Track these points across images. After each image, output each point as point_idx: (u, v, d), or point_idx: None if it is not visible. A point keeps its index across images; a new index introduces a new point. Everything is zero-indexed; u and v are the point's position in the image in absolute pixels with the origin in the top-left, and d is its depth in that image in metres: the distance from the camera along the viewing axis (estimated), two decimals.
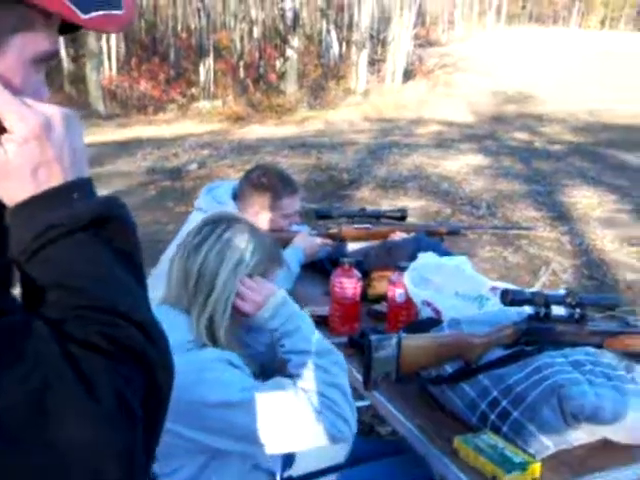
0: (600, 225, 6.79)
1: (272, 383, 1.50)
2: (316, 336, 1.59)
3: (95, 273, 0.73)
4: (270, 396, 1.46)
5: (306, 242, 2.62)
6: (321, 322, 2.21)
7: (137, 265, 0.78)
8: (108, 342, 0.69)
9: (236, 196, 2.56)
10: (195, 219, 2.29)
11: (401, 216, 2.75)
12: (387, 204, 7.47)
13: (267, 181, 2.53)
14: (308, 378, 1.51)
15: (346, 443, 1.96)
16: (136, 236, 0.79)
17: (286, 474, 1.81)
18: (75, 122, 0.78)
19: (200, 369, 1.47)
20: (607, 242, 6.22)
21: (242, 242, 1.59)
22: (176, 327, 1.53)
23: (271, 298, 1.58)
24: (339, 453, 1.97)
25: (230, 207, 2.48)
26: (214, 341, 1.57)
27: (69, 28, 0.77)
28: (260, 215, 2.51)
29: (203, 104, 18.81)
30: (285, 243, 2.53)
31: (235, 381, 1.48)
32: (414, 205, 7.44)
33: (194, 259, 1.57)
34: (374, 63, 22.68)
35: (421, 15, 25.85)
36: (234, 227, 1.61)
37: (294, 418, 1.46)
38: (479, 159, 10.56)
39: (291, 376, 1.53)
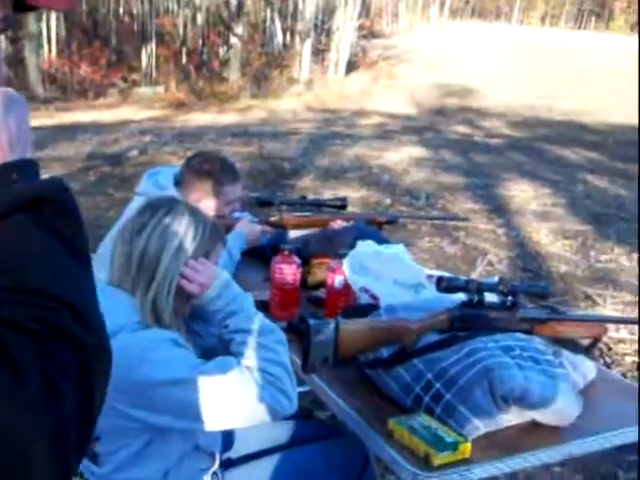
0: (535, 218, 6.96)
1: (216, 361, 1.52)
2: (259, 316, 1.63)
3: (29, 255, 0.71)
4: (213, 373, 1.48)
5: (247, 229, 2.64)
6: (261, 307, 2.23)
7: (78, 249, 0.76)
8: (37, 324, 0.68)
9: (178, 182, 2.56)
10: (136, 204, 2.29)
11: (341, 205, 2.79)
12: (328, 194, 7.51)
13: (209, 168, 2.54)
14: (251, 356, 1.54)
15: (287, 422, 2.00)
16: (80, 219, 0.78)
17: (225, 456, 1.83)
18: (18, 102, 0.77)
19: (144, 348, 1.49)
20: (542, 235, 6.39)
21: (183, 225, 1.60)
22: (121, 308, 1.55)
23: (215, 280, 1.60)
24: (279, 435, 2.00)
25: (171, 193, 2.47)
26: (159, 322, 1.58)
27: (17, 7, 0.76)
28: (202, 202, 2.49)
29: (144, 90, 18.56)
30: (227, 229, 2.54)
31: (179, 359, 1.50)
32: (355, 195, 7.51)
33: (136, 243, 1.58)
34: (318, 53, 22.70)
35: (365, 6, 25.95)
36: (175, 210, 1.62)
37: (237, 394, 1.49)
38: (420, 151, 10.70)
39: (235, 355, 1.56)
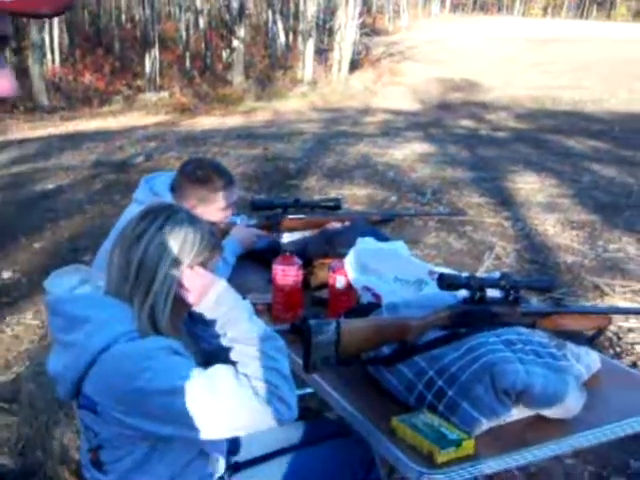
0: (542, 209, 6.94)
1: (214, 370, 1.52)
2: (258, 323, 1.62)
3: None
4: (211, 382, 1.48)
5: (242, 234, 2.64)
6: (264, 310, 2.24)
7: None
8: None
9: (173, 189, 2.55)
10: (133, 211, 2.29)
11: (335, 205, 2.79)
12: (334, 193, 7.51)
13: (203, 174, 2.52)
14: (250, 364, 1.53)
15: (294, 424, 2.00)
16: None
17: (231, 460, 1.83)
18: None
19: (142, 357, 1.49)
20: (549, 226, 6.37)
21: (182, 233, 1.60)
22: (119, 317, 1.55)
23: (213, 287, 1.60)
24: (286, 437, 2.00)
25: (167, 200, 2.48)
26: (157, 330, 1.58)
27: None
28: (197, 209, 2.46)
29: (149, 96, 18.61)
30: (222, 234, 2.54)
31: (177, 368, 1.49)
32: (361, 193, 7.51)
33: (135, 250, 1.58)
34: (321, 53, 22.71)
35: (367, 4, 25.92)
36: (174, 218, 1.62)
37: (236, 403, 1.48)
38: (425, 147, 10.68)
39: (234, 363, 1.56)
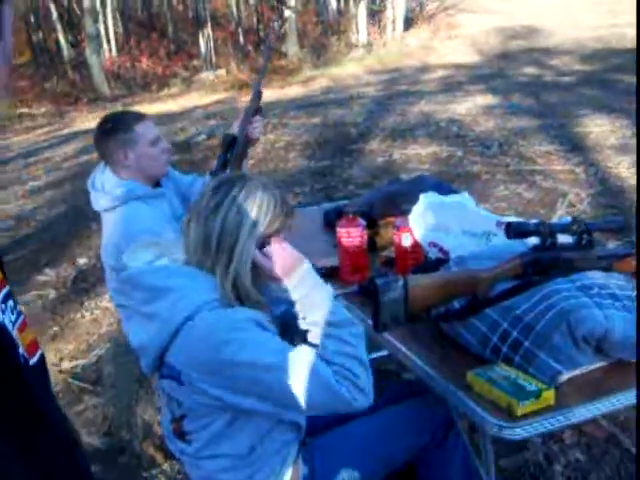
0: (614, 152, 6.69)
1: (297, 351, 1.51)
2: (338, 308, 1.60)
3: None
4: (297, 362, 1.48)
5: None
6: (330, 274, 2.21)
7: None
8: None
9: (104, 160, 2.50)
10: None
11: None
12: (397, 154, 7.42)
13: (109, 125, 2.46)
14: (329, 349, 1.52)
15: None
16: None
17: (313, 423, 1.82)
18: None
19: (230, 329, 1.49)
20: (623, 169, 6.14)
21: (257, 200, 1.60)
22: (201, 286, 1.56)
23: (298, 266, 1.58)
24: None
25: (109, 178, 2.46)
26: (240, 300, 1.59)
27: None
28: (129, 156, 2.43)
29: (206, 75, 18.70)
30: None
31: (265, 342, 1.50)
32: (425, 152, 7.39)
33: (213, 223, 1.58)
34: (374, 14, 22.36)
35: None
36: (248, 186, 1.61)
37: (316, 386, 1.48)
38: (488, 99, 10.43)
39: (311, 344, 1.55)
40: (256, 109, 2.60)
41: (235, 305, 1.57)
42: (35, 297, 4.57)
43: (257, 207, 1.59)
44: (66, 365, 3.63)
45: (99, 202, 2.48)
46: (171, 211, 2.57)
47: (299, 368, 1.47)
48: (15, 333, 0.79)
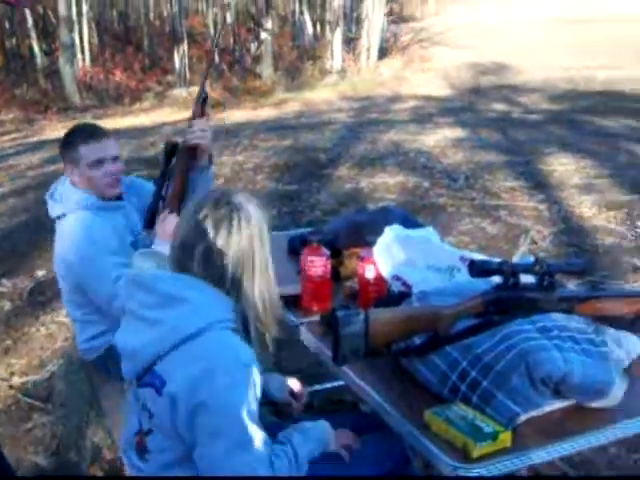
0: (578, 191, 6.79)
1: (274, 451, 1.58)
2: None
3: None
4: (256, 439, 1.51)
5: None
6: (292, 301, 2.19)
7: None
8: None
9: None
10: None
11: None
12: (365, 182, 7.45)
13: (65, 138, 2.51)
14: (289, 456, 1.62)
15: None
16: None
17: None
18: None
19: (230, 362, 1.50)
20: (585, 208, 6.23)
21: (257, 215, 1.63)
22: (217, 303, 1.56)
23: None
24: None
25: (66, 189, 2.50)
26: (246, 331, 1.61)
27: None
28: (73, 173, 2.48)
29: (179, 91, 18.65)
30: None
31: (250, 402, 1.50)
32: (392, 181, 7.42)
33: (226, 255, 1.57)
34: (349, 42, 22.55)
35: None
36: (243, 204, 1.61)
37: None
38: (457, 132, 10.54)
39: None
40: (200, 114, 2.54)
41: (241, 334, 1.57)
42: None
43: (260, 221, 1.63)
44: (17, 380, 3.55)
45: (54, 210, 2.52)
46: (128, 225, 2.55)
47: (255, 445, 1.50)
48: None
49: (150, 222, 2.49)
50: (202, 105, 2.54)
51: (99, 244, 2.40)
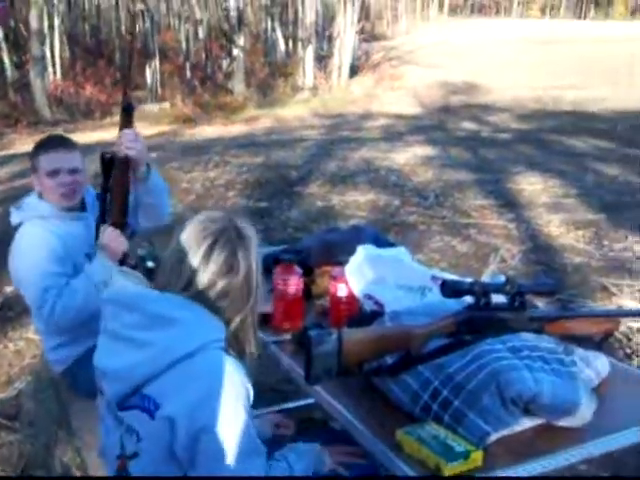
0: (546, 210, 6.88)
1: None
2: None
3: None
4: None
5: (110, 239, 2.49)
6: (264, 320, 2.19)
7: None
8: None
9: None
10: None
11: None
12: (336, 199, 7.47)
13: (34, 146, 2.58)
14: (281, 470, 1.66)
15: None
16: None
17: None
18: None
19: (229, 385, 1.48)
20: (553, 227, 6.31)
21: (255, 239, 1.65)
22: (209, 323, 1.54)
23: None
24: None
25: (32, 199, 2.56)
26: (240, 353, 1.61)
27: None
28: (35, 182, 2.56)
29: (150, 106, 18.59)
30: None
31: (245, 420, 1.50)
32: (363, 199, 7.46)
33: (234, 276, 1.58)
34: (321, 59, 22.70)
35: (365, 10, 25.92)
36: (243, 236, 1.61)
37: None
38: (427, 150, 10.64)
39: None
40: (125, 125, 2.53)
41: (234, 355, 1.57)
42: None
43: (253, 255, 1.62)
44: None
45: (14, 218, 2.56)
46: (88, 236, 2.55)
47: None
48: None
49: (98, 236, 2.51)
50: (126, 115, 2.53)
51: (40, 250, 2.44)
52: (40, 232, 2.47)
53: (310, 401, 2.75)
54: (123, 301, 1.58)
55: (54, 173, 2.50)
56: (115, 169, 2.50)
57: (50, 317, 2.41)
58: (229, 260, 1.57)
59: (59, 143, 2.57)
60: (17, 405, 3.39)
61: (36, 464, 2.85)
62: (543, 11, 54.66)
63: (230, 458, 1.47)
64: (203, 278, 1.56)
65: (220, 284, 1.56)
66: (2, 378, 3.71)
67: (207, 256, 1.56)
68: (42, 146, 2.55)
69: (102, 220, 2.52)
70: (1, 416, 3.30)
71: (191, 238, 1.58)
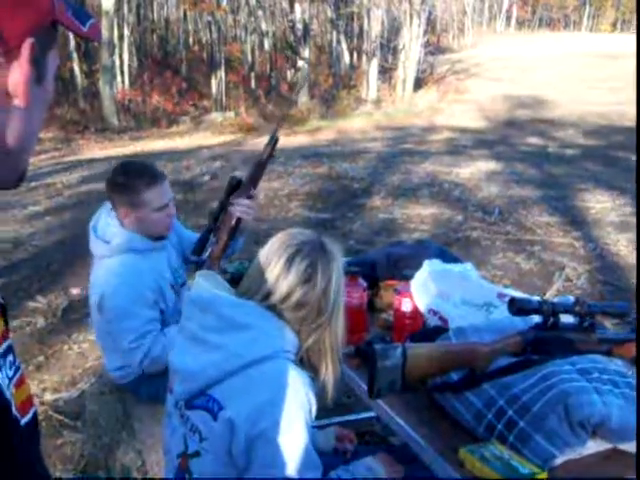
0: (614, 229, 6.73)
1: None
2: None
3: None
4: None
5: None
6: None
7: None
8: None
9: (112, 205, 2.52)
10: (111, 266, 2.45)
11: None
12: (399, 212, 7.45)
13: (122, 179, 2.44)
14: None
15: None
16: None
17: None
18: None
19: (294, 397, 1.49)
20: (621, 246, 6.17)
21: (335, 268, 1.63)
22: (280, 333, 1.56)
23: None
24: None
25: (115, 229, 2.47)
26: (314, 374, 1.62)
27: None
28: (130, 215, 2.45)
29: (215, 116, 18.88)
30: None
31: (303, 433, 1.50)
32: (426, 213, 7.42)
33: (312, 288, 1.59)
34: (385, 72, 22.71)
35: (431, 23, 25.85)
36: (326, 250, 1.62)
37: None
38: (491, 165, 10.53)
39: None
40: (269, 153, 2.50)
41: (298, 364, 1.58)
42: (23, 324, 4.52)
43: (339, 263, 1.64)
44: (48, 397, 3.58)
45: (98, 249, 2.50)
46: (168, 263, 2.58)
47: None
48: (11, 390, 0.75)
49: (200, 250, 2.49)
50: (272, 147, 2.50)
51: (137, 292, 2.43)
52: (137, 271, 2.43)
53: (371, 414, 2.75)
54: (199, 303, 1.61)
55: (163, 207, 2.47)
56: (226, 217, 2.48)
57: (140, 363, 2.44)
58: (308, 270, 1.57)
59: (156, 175, 2.49)
60: (80, 405, 3.47)
61: (96, 464, 2.90)
62: (614, 25, 53.69)
63: (284, 468, 1.47)
64: (282, 287, 1.57)
65: (297, 294, 1.57)
66: (66, 379, 3.80)
67: (288, 265, 1.58)
68: (140, 181, 2.44)
69: (207, 235, 2.51)
70: (64, 415, 3.38)
71: (274, 249, 1.61)
